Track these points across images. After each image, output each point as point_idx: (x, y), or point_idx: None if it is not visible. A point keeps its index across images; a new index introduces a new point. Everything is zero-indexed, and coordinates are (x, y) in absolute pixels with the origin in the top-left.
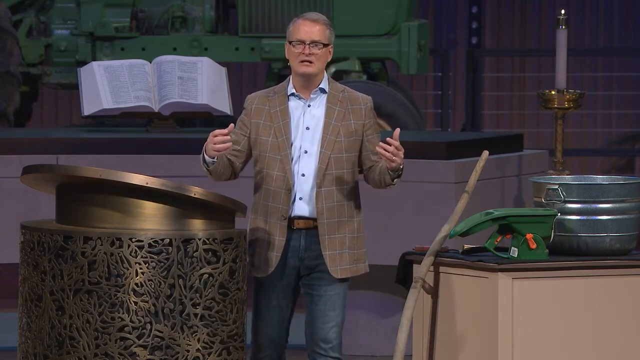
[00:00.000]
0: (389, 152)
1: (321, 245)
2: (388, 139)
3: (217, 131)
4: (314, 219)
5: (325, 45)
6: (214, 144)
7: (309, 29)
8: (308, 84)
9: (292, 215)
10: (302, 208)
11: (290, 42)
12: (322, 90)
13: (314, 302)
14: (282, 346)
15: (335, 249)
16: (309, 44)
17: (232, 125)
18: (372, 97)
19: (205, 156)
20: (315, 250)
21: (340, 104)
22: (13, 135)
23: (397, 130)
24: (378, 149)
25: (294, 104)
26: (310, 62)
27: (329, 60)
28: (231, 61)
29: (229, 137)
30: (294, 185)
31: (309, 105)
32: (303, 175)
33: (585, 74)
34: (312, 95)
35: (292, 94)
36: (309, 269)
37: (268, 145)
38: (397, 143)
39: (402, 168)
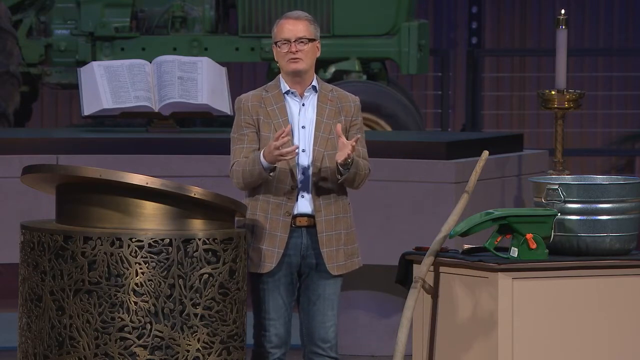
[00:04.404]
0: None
1: (319, 242)
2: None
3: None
4: (313, 216)
5: (310, 40)
6: (277, 148)
7: (292, 27)
8: (300, 81)
9: (295, 212)
10: (304, 205)
11: (276, 43)
12: (314, 89)
13: (312, 302)
14: (289, 346)
15: (332, 246)
16: (294, 42)
17: (289, 127)
18: (372, 97)
19: (264, 162)
20: (317, 248)
21: (331, 103)
22: (13, 135)
23: (338, 125)
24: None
25: (290, 102)
26: (298, 58)
27: (318, 55)
28: (231, 61)
29: (288, 139)
30: (298, 183)
31: (303, 104)
32: (303, 173)
33: (585, 74)
34: (305, 94)
35: (288, 92)
36: (309, 267)
37: (269, 142)
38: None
39: (351, 163)
